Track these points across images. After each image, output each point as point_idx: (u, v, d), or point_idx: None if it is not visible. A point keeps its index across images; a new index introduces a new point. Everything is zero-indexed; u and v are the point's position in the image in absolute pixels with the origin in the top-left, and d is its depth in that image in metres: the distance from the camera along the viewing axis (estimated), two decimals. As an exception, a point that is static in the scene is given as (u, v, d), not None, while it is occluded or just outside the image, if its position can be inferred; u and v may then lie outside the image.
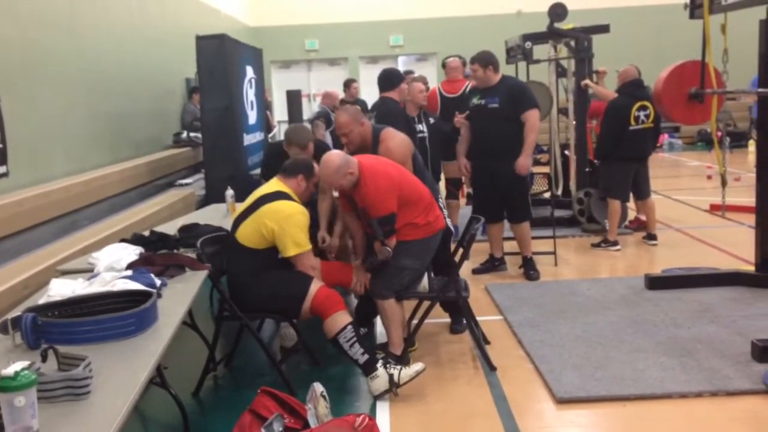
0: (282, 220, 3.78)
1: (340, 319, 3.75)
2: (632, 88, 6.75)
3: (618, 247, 6.78)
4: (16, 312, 2.83)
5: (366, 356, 3.74)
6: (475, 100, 5.84)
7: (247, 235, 3.85)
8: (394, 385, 3.69)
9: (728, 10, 5.21)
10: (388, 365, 3.75)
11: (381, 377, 3.71)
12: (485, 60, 5.71)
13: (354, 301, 4.97)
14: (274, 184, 4.00)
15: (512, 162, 5.60)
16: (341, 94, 9.47)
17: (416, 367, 3.75)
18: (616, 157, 6.75)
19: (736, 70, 5.32)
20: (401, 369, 3.73)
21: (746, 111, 15.24)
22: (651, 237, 6.96)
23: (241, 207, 4.04)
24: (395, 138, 4.41)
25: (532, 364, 4.12)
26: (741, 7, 5.14)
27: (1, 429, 1.87)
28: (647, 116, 6.63)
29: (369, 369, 3.74)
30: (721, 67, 5.30)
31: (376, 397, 3.73)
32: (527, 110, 5.58)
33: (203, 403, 3.94)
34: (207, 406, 3.92)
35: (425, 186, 4.21)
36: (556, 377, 3.86)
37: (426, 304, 4.32)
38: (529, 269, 5.97)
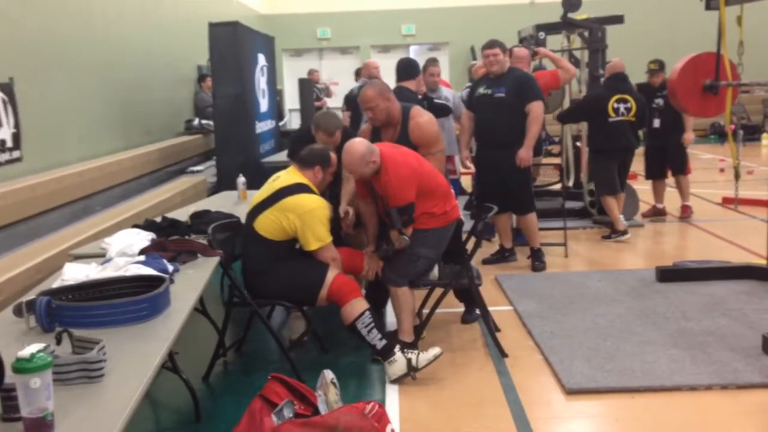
0: (304, 215, 3.77)
1: (358, 305, 3.79)
2: (615, 81, 6.83)
3: (628, 235, 6.75)
4: (30, 295, 2.86)
5: (384, 341, 3.78)
6: (481, 90, 5.79)
7: (267, 225, 3.83)
8: (412, 369, 3.74)
9: (745, 1, 5.16)
10: (405, 350, 3.80)
11: (399, 361, 3.75)
12: (503, 44, 5.72)
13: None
14: (292, 175, 3.94)
15: (515, 153, 5.56)
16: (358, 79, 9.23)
17: (434, 351, 3.79)
18: (597, 150, 6.90)
19: (751, 63, 5.26)
20: (419, 353, 3.77)
21: (760, 104, 15.11)
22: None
23: (258, 196, 3.97)
24: (425, 115, 4.46)
25: (542, 355, 4.12)
26: (757, -1, 5.09)
27: (17, 410, 1.90)
28: (628, 109, 6.71)
29: (387, 354, 3.78)
30: (736, 59, 5.25)
31: (394, 381, 3.76)
32: (532, 101, 5.55)
33: (213, 388, 3.97)
34: (217, 391, 3.94)
35: (442, 175, 4.21)
36: (566, 368, 3.86)
37: (438, 293, 4.32)
38: (536, 260, 5.94)
